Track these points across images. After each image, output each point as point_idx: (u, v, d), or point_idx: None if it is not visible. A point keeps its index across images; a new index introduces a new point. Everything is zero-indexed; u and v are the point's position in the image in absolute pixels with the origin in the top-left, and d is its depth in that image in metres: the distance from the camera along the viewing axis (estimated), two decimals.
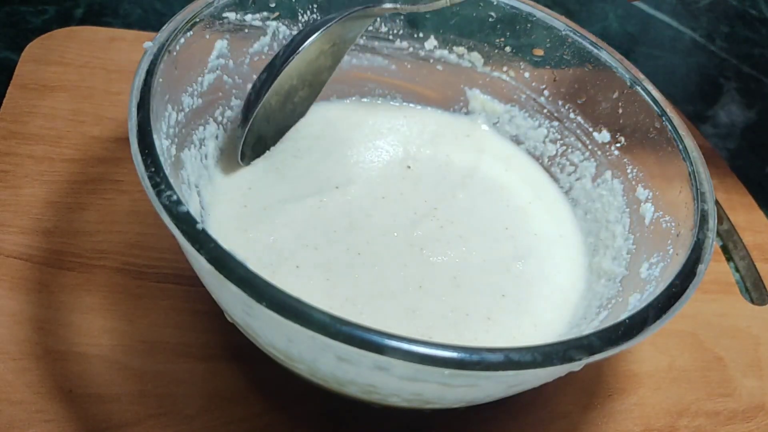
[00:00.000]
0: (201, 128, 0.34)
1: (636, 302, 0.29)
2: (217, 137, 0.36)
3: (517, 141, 0.43)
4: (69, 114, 0.42)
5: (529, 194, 0.40)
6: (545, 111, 0.41)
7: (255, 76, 0.36)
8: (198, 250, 0.23)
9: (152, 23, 0.53)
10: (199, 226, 0.23)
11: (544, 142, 0.42)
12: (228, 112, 0.36)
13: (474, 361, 0.21)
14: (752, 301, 0.44)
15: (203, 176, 0.33)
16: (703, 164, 0.33)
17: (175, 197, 0.24)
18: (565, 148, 0.41)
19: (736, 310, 0.43)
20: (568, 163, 0.41)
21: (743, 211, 0.49)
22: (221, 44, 0.33)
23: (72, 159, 0.40)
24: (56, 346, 0.32)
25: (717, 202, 0.49)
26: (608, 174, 0.38)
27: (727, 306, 0.43)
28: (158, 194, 0.24)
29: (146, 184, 0.25)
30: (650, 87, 0.37)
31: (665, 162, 0.35)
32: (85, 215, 0.37)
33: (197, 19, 0.31)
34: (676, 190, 0.33)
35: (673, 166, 0.34)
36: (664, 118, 0.35)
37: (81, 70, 0.45)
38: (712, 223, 0.30)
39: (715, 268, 0.45)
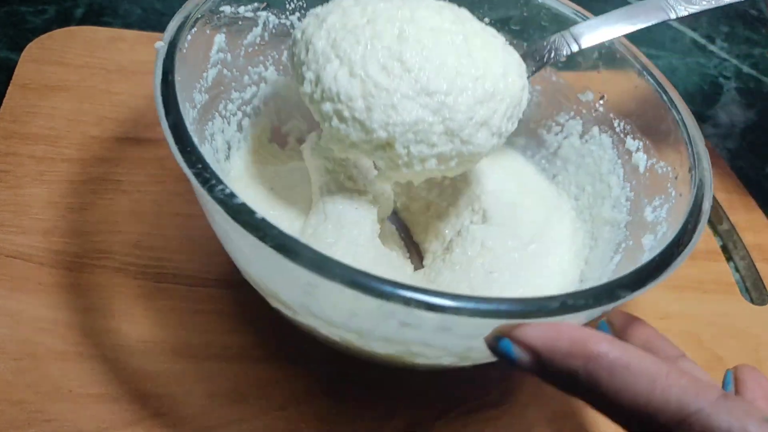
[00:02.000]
0: (210, 123, 0.34)
1: (651, 242, 0.31)
2: (222, 131, 0.36)
3: None
4: (69, 114, 0.42)
5: (513, 186, 0.41)
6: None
7: (250, 68, 0.37)
8: (261, 239, 0.23)
9: (152, 23, 0.52)
10: (258, 215, 0.23)
11: (528, 105, 0.42)
12: (230, 105, 0.36)
13: (535, 309, 0.23)
14: (752, 301, 0.44)
15: (218, 171, 0.34)
16: (688, 111, 0.35)
17: (228, 190, 0.24)
18: (551, 108, 0.41)
19: (736, 310, 0.43)
20: (554, 123, 0.42)
21: (743, 211, 0.49)
22: (220, 38, 0.34)
23: (72, 159, 0.40)
24: (56, 346, 0.32)
25: (717, 202, 0.49)
26: (595, 130, 0.39)
27: (728, 306, 0.43)
28: (210, 190, 0.24)
29: (195, 182, 0.25)
30: (629, 45, 0.38)
31: (651, 113, 0.36)
32: (85, 215, 0.37)
33: (198, 15, 0.31)
34: (666, 137, 0.35)
35: (660, 116, 0.35)
36: (645, 73, 0.37)
37: (81, 70, 0.45)
38: (706, 162, 0.32)
39: (715, 268, 0.45)
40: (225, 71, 0.35)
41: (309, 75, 0.30)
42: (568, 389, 0.22)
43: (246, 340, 0.35)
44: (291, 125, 0.40)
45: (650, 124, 0.36)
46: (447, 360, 0.29)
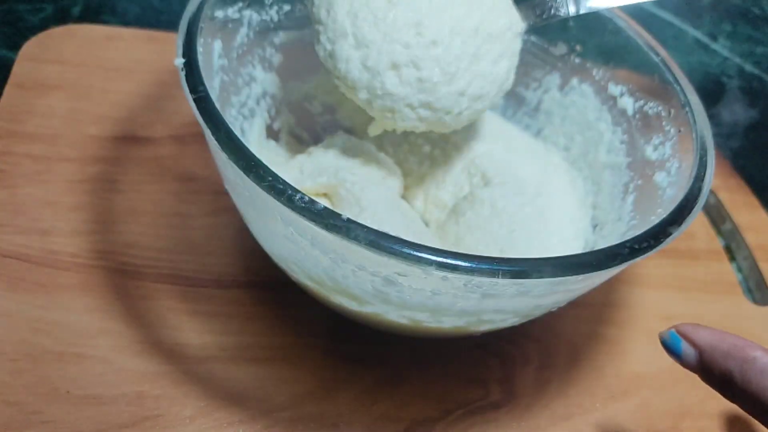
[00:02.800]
0: None
1: (665, 179, 0.33)
2: None
3: None
4: (66, 113, 0.42)
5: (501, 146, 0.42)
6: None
7: (241, 69, 0.37)
8: (355, 239, 0.23)
9: (150, 21, 0.52)
10: (344, 216, 0.23)
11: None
12: (232, 111, 0.36)
13: (606, 258, 0.26)
14: (755, 302, 0.43)
15: None
16: (664, 51, 0.36)
17: (306, 198, 0.24)
18: (524, 67, 0.41)
19: (739, 311, 0.42)
20: (531, 80, 0.42)
21: (746, 211, 0.48)
22: (218, 45, 0.33)
23: (69, 158, 0.40)
24: (53, 346, 0.32)
25: (720, 201, 0.49)
26: (575, 81, 0.40)
27: (730, 306, 0.43)
28: (290, 199, 0.24)
29: (270, 195, 0.24)
30: None
31: (629, 57, 0.38)
32: (82, 215, 0.37)
33: (202, 25, 0.31)
34: (649, 78, 0.36)
35: (638, 59, 0.37)
36: (616, 21, 0.38)
37: (78, 69, 0.45)
38: (694, 98, 0.34)
39: (718, 268, 0.45)
40: (224, 77, 0.35)
41: (324, 41, 0.31)
42: (722, 387, 0.25)
43: (244, 341, 0.34)
44: (281, 121, 0.40)
45: (631, 68, 0.38)
46: (510, 321, 0.31)
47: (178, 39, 0.29)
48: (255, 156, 0.25)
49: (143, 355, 0.33)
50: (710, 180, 0.30)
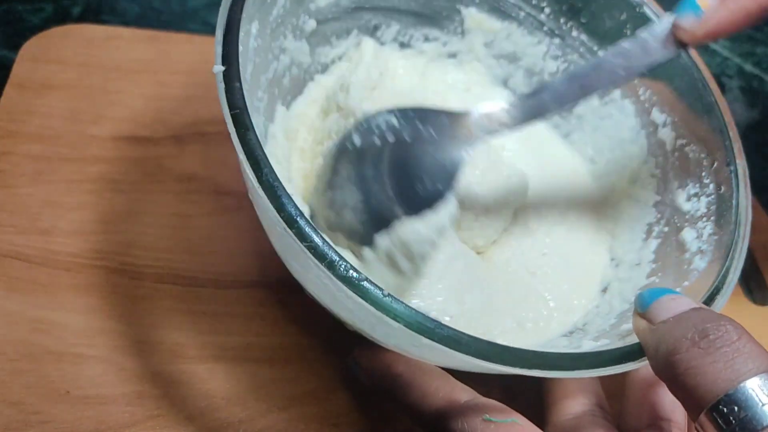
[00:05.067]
0: None
1: (695, 241, 0.31)
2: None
3: (514, 58, 0.42)
4: (66, 113, 0.42)
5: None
6: (545, 28, 0.40)
7: (273, 43, 0.33)
8: (394, 318, 0.22)
9: (150, 21, 0.52)
10: (385, 292, 0.22)
11: (543, 58, 0.40)
12: (259, 92, 0.33)
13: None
14: (755, 302, 0.43)
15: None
16: (722, 99, 0.33)
17: (348, 265, 0.23)
18: (567, 65, 0.40)
19: (738, 311, 0.42)
20: None
21: None
22: (255, 27, 0.30)
23: (69, 158, 0.40)
24: (53, 347, 0.32)
25: None
26: (617, 93, 0.38)
27: (730, 306, 0.42)
28: (331, 266, 0.22)
29: (310, 256, 0.23)
30: (657, 10, 0.36)
31: (681, 87, 0.34)
32: (82, 215, 0.37)
33: (243, 15, 0.28)
34: (698, 119, 0.33)
35: (691, 93, 0.33)
36: (684, 54, 0.33)
37: (78, 69, 0.45)
38: (742, 164, 0.31)
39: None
40: (257, 60, 0.31)
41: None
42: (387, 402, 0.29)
43: (245, 341, 0.34)
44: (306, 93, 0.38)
45: (682, 102, 0.34)
46: None
47: (217, 33, 0.26)
48: (297, 208, 0.23)
49: (143, 355, 0.32)
50: (741, 261, 0.28)
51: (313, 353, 0.35)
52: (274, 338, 0.35)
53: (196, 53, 0.46)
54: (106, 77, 0.45)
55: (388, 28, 0.41)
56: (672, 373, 0.21)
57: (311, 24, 0.36)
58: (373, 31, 0.41)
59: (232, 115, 0.25)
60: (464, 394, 0.26)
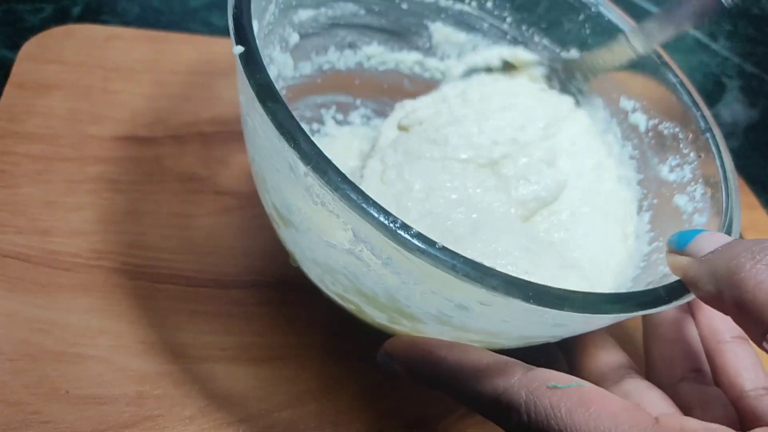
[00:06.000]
0: None
1: (686, 202, 0.33)
2: None
3: (483, 69, 0.43)
4: (66, 113, 0.42)
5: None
6: (509, 37, 0.42)
7: (265, 51, 0.33)
8: (452, 269, 0.22)
9: (150, 21, 0.52)
10: (439, 244, 0.22)
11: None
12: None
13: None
14: None
15: None
16: (683, 74, 0.35)
17: (399, 221, 0.22)
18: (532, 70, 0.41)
19: None
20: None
21: (746, 211, 0.48)
22: (256, 26, 0.29)
23: (69, 158, 0.40)
24: (53, 346, 0.32)
25: None
26: (585, 88, 0.40)
27: None
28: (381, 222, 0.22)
29: (359, 216, 0.22)
30: (611, 6, 0.38)
31: (645, 73, 0.37)
32: (82, 215, 0.37)
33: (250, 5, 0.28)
34: (666, 98, 0.35)
35: (654, 76, 0.36)
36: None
37: (78, 69, 0.45)
38: (717, 130, 0.33)
39: None
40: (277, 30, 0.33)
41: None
42: (429, 387, 0.27)
43: (244, 341, 0.34)
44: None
45: (646, 84, 0.37)
46: (525, 343, 0.30)
47: (230, 22, 0.27)
48: (344, 174, 0.22)
49: (143, 355, 0.32)
50: (739, 210, 0.30)
51: (313, 353, 0.35)
52: (274, 338, 0.35)
53: (196, 53, 0.46)
54: (106, 77, 0.45)
55: (367, 46, 0.42)
56: (738, 292, 0.21)
57: (295, 37, 0.37)
58: (348, 48, 0.42)
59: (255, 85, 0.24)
60: (517, 368, 0.24)
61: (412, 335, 0.28)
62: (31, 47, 0.45)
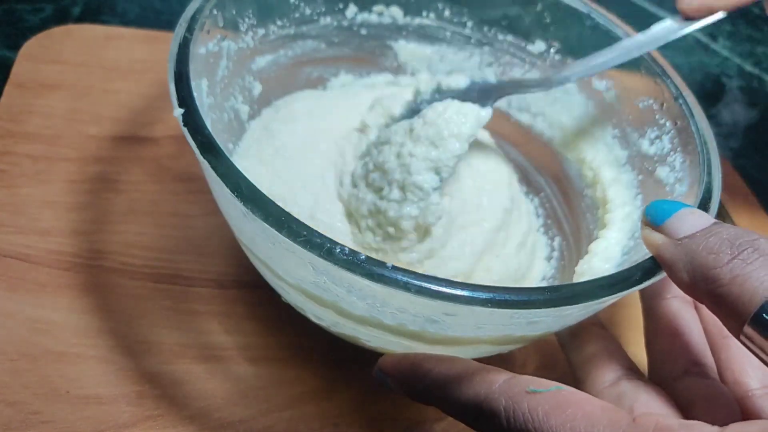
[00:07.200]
0: None
1: (667, 174, 0.33)
2: None
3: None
4: (66, 113, 0.42)
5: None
6: (473, 41, 0.42)
7: (225, 104, 0.35)
8: (404, 288, 0.22)
9: (150, 21, 0.52)
10: (389, 264, 0.22)
11: (480, 68, 0.43)
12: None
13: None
14: None
15: None
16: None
17: (347, 250, 0.22)
18: (503, 68, 0.42)
19: None
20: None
21: (746, 211, 0.48)
22: (204, 83, 0.32)
23: (69, 158, 0.40)
24: (53, 346, 0.32)
25: (719, 202, 0.48)
26: (556, 77, 0.40)
27: None
28: (329, 252, 0.22)
29: (306, 250, 0.22)
30: None
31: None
32: (82, 215, 0.37)
33: (191, 66, 0.29)
34: (635, 73, 0.36)
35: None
36: (593, 15, 0.38)
37: (78, 69, 0.45)
38: (687, 92, 0.34)
39: None
40: (213, 115, 0.33)
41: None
42: (425, 403, 0.27)
43: (244, 341, 0.34)
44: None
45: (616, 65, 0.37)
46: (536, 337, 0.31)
47: (170, 87, 0.27)
48: (283, 210, 0.23)
49: (143, 355, 0.32)
50: (719, 174, 0.30)
51: (313, 353, 0.35)
52: (273, 338, 0.35)
53: None
54: (106, 77, 0.45)
55: (335, 77, 0.43)
56: (713, 285, 0.21)
57: (258, 87, 0.38)
58: (317, 84, 0.42)
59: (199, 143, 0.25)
60: (500, 375, 0.25)
61: (405, 352, 0.28)
62: (31, 47, 0.45)
